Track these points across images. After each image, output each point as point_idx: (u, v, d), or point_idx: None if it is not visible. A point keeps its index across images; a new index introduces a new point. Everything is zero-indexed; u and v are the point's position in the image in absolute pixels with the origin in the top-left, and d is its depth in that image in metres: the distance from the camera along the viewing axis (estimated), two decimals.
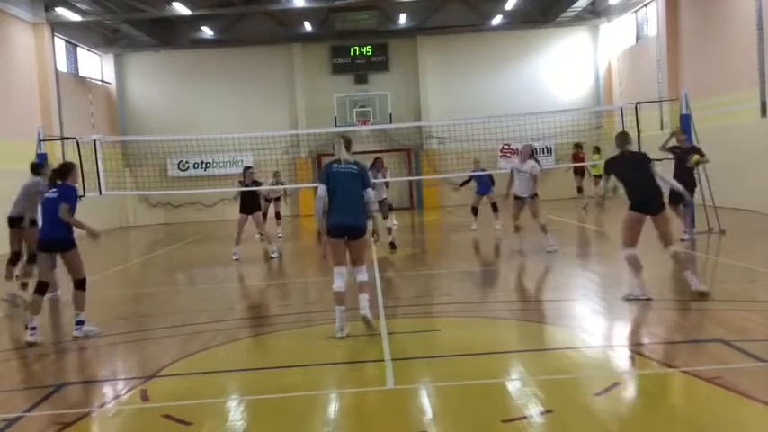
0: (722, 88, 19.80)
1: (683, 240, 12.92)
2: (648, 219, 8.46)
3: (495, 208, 17.35)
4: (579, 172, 23.76)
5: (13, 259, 11.40)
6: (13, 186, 12.29)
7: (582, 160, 23.42)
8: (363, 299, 7.55)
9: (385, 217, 14.95)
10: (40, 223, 9.89)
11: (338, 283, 7.59)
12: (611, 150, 9.54)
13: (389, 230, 15.01)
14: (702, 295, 8.22)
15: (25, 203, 11.26)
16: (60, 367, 7.36)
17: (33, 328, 8.09)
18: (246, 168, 15.20)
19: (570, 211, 22.33)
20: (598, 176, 22.88)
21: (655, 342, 6.90)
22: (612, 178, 8.70)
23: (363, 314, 7.48)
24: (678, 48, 22.73)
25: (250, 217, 14.67)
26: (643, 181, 8.46)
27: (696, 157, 13.32)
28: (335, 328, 7.52)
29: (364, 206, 7.73)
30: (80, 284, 8.44)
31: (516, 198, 13.37)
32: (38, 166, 11.89)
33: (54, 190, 8.55)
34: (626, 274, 9.07)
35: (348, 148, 7.97)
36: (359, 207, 7.68)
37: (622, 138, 8.78)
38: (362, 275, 7.69)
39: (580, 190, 23.92)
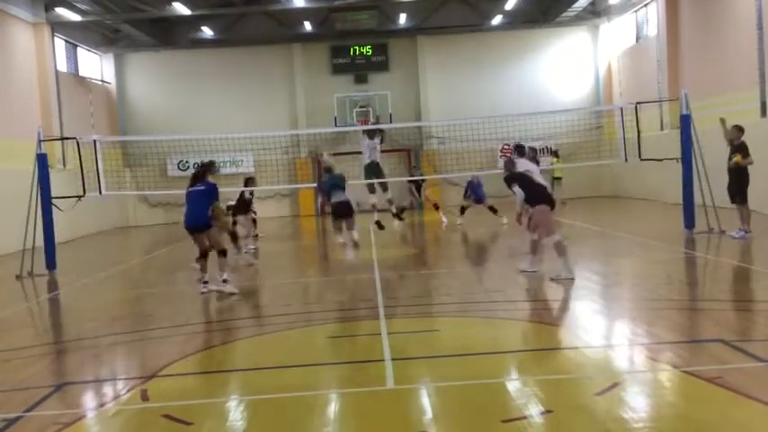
0: (722, 88, 19.79)
1: (734, 237, 13.20)
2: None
3: (493, 210, 17.48)
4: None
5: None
6: (13, 186, 12.28)
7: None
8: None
9: (384, 190, 15.55)
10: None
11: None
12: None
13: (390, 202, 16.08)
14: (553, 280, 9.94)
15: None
16: (60, 367, 7.35)
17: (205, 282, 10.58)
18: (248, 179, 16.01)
19: (575, 211, 22.32)
20: (558, 179, 25.23)
21: (655, 342, 6.90)
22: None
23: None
24: (678, 48, 22.73)
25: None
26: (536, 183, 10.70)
27: (738, 157, 13.25)
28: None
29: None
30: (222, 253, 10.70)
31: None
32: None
33: (201, 183, 10.68)
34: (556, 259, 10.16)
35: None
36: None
37: (511, 164, 11.10)
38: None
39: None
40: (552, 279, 10.03)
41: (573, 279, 9.89)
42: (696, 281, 10.34)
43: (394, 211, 15.64)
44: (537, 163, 14.27)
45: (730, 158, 13.39)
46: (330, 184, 13.96)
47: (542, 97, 27.98)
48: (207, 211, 10.60)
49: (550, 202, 10.55)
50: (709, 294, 9.37)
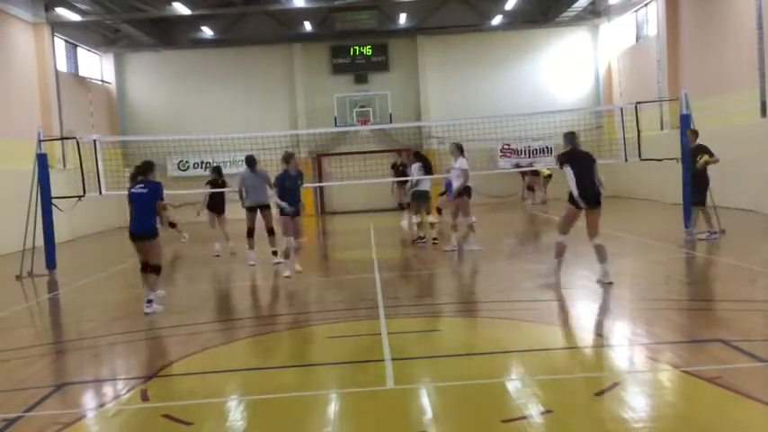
0: (722, 88, 19.80)
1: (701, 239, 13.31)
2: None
3: (438, 210, 17.82)
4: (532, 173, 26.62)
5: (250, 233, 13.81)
6: (13, 186, 12.31)
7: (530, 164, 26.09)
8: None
9: (428, 212, 15.42)
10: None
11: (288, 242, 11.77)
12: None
13: (433, 225, 15.75)
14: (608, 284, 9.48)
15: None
16: (60, 367, 7.35)
17: (149, 301, 9.48)
18: (215, 169, 16.55)
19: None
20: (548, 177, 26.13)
21: (655, 342, 6.90)
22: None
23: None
24: (678, 48, 22.73)
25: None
26: (589, 177, 9.58)
27: (705, 157, 13.38)
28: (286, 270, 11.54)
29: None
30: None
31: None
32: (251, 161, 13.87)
33: (141, 185, 9.66)
34: (596, 263, 9.80)
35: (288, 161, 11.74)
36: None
37: (571, 136, 10.06)
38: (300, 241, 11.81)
39: (531, 188, 26.75)
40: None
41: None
42: (696, 281, 10.34)
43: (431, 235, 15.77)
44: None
45: (696, 161, 13.49)
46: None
47: (542, 97, 27.97)
48: (151, 216, 9.62)
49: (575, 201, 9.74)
50: (709, 294, 9.38)
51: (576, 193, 9.56)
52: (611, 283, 9.50)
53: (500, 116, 21.91)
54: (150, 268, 9.65)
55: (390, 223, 21.17)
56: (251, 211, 13.80)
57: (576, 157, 9.78)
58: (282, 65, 29.15)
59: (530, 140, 27.64)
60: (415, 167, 15.36)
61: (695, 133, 13.99)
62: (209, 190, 16.22)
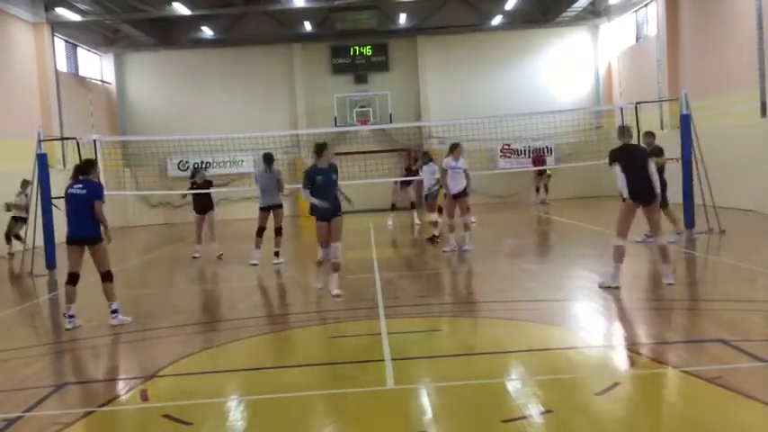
0: (722, 88, 19.80)
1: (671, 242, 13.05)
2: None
3: (413, 206, 17.81)
4: (540, 173, 25.98)
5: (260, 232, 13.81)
6: (12, 186, 12.29)
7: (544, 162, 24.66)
8: (335, 277, 9.86)
9: (432, 210, 15.42)
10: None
11: (321, 255, 10.20)
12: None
13: (435, 224, 15.69)
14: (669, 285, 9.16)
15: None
16: (60, 367, 7.36)
17: (71, 317, 8.81)
18: (197, 170, 16.20)
19: (576, 211, 22.34)
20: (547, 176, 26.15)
21: (655, 342, 6.90)
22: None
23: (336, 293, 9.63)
24: (678, 48, 22.74)
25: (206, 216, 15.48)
26: (640, 172, 9.18)
27: (660, 158, 13.27)
28: (317, 281, 10.25)
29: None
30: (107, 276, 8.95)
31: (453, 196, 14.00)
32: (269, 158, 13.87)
33: (80, 186, 8.89)
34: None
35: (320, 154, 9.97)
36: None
37: (625, 131, 9.60)
38: (338, 254, 9.95)
39: (538, 189, 26.11)
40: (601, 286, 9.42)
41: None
42: (696, 281, 10.34)
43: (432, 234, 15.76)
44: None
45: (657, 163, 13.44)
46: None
47: (542, 97, 27.97)
48: (92, 219, 8.76)
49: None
50: (709, 294, 9.38)
51: (625, 192, 9.17)
52: (671, 284, 9.16)
53: (500, 116, 21.93)
54: (102, 276, 8.91)
55: (388, 223, 21.15)
56: (263, 210, 13.82)
57: (629, 154, 9.33)
58: (282, 65, 29.15)
59: (530, 140, 27.62)
60: (433, 168, 15.56)
61: (653, 135, 13.95)
62: (186, 191, 16.63)
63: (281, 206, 13.85)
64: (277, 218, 13.75)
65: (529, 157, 28.33)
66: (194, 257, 15.26)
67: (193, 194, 15.64)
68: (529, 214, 23.34)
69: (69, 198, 8.90)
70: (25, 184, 17.12)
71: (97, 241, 8.88)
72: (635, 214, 9.38)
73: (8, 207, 17.83)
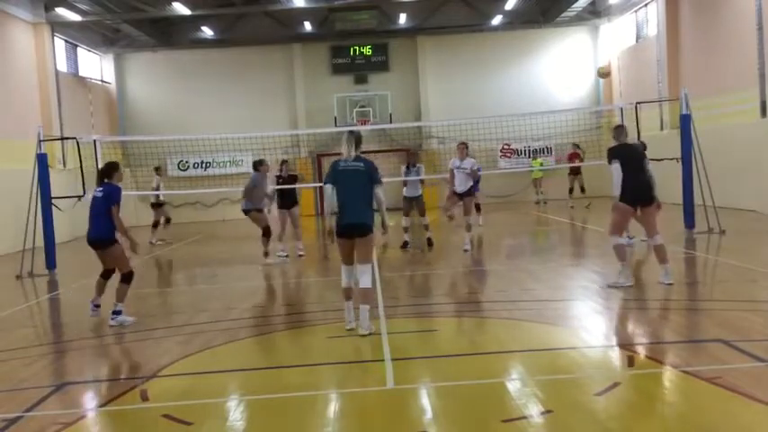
0: (722, 88, 19.80)
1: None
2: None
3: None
4: (574, 172, 23.90)
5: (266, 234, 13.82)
6: (13, 186, 12.29)
7: (581, 160, 23.48)
8: (364, 310, 7.47)
9: (421, 215, 15.07)
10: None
11: (345, 280, 7.70)
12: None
13: (427, 227, 15.31)
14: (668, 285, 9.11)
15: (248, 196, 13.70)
16: (60, 367, 7.35)
17: (96, 306, 9.15)
18: (284, 161, 15.34)
19: (576, 211, 22.34)
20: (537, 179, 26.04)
21: (655, 342, 6.90)
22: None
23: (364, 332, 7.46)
24: (678, 48, 22.74)
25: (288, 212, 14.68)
26: (639, 172, 9.15)
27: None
28: (346, 321, 7.72)
29: (371, 203, 7.63)
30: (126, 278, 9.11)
31: (455, 194, 14.02)
32: (257, 164, 14.07)
33: (100, 189, 8.96)
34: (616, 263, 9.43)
35: (357, 145, 7.73)
36: (364, 204, 7.56)
37: (620, 130, 9.58)
38: (365, 280, 7.48)
39: (572, 191, 24.31)
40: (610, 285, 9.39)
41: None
42: (696, 281, 10.34)
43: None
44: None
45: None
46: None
47: (542, 97, 27.98)
48: (106, 222, 8.87)
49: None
50: (709, 294, 9.38)
51: (621, 191, 9.08)
52: (671, 284, 9.14)
53: (500, 116, 21.93)
54: (121, 277, 9.11)
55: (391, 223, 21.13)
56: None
57: (628, 152, 9.23)
58: (282, 65, 29.16)
59: (530, 140, 27.63)
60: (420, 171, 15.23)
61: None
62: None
63: (261, 210, 13.87)
64: (259, 221, 13.79)
65: (529, 157, 28.33)
66: (279, 256, 14.20)
67: (278, 190, 14.68)
68: (528, 214, 23.32)
69: (91, 201, 9.08)
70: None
71: (107, 245, 8.98)
72: (630, 217, 9.48)
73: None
